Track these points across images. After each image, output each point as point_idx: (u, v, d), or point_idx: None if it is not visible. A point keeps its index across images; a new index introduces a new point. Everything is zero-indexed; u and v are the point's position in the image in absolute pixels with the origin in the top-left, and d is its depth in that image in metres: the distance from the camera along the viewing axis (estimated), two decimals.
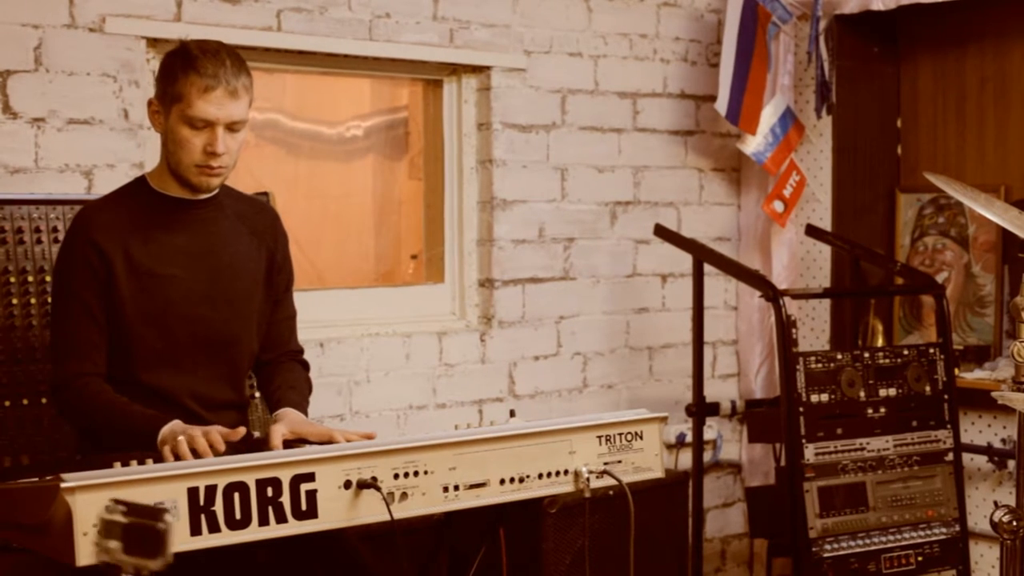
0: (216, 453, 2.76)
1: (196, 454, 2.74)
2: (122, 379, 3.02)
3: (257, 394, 3.61)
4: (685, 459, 4.92)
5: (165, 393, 3.02)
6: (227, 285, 3.12)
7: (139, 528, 1.95)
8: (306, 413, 3.17)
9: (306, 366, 3.35)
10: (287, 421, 3.04)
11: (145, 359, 3.02)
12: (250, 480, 2.50)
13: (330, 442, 2.90)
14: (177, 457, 2.74)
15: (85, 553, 2.30)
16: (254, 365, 3.29)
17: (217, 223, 3.14)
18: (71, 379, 2.97)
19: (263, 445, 2.97)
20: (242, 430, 2.87)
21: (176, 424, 2.87)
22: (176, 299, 3.04)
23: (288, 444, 2.95)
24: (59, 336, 3.03)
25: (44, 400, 3.38)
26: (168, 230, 3.07)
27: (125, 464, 2.52)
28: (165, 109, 3.00)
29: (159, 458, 2.71)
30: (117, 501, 1.98)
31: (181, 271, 3.06)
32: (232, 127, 2.99)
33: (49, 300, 3.42)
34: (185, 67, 2.96)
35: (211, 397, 3.10)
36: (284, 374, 3.25)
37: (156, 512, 1.96)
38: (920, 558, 4.21)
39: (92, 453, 3.02)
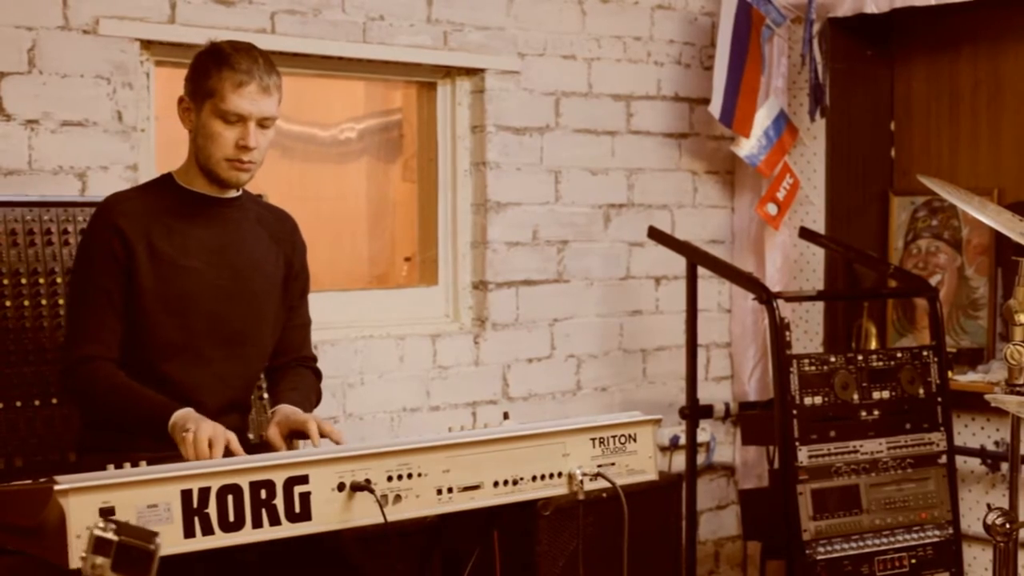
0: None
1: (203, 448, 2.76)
2: (135, 367, 3.02)
3: (265, 396, 3.63)
4: (679, 461, 4.92)
5: (176, 385, 3.03)
6: (246, 283, 3.14)
7: (129, 548, 1.97)
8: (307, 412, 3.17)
9: (318, 374, 3.37)
10: (277, 417, 3.05)
11: (161, 349, 3.03)
12: (243, 482, 2.50)
13: (304, 433, 2.96)
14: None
15: (79, 556, 2.30)
16: (267, 372, 3.32)
17: (239, 223, 3.17)
18: (82, 362, 2.98)
19: (264, 448, 2.98)
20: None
21: (190, 412, 2.89)
22: (196, 291, 3.06)
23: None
24: (74, 320, 3.04)
25: (37, 402, 3.38)
26: (191, 223, 3.09)
27: (119, 466, 2.52)
28: (197, 105, 3.04)
29: (153, 460, 2.71)
30: (109, 519, 1.99)
31: (202, 264, 3.08)
32: (263, 123, 3.05)
33: (43, 302, 3.42)
34: (219, 63, 3.01)
35: (220, 394, 3.10)
36: (291, 377, 3.27)
37: (147, 534, 1.98)
38: (913, 560, 4.21)
39: (92, 448, 3.03)
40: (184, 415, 2.87)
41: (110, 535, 1.97)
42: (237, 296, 3.12)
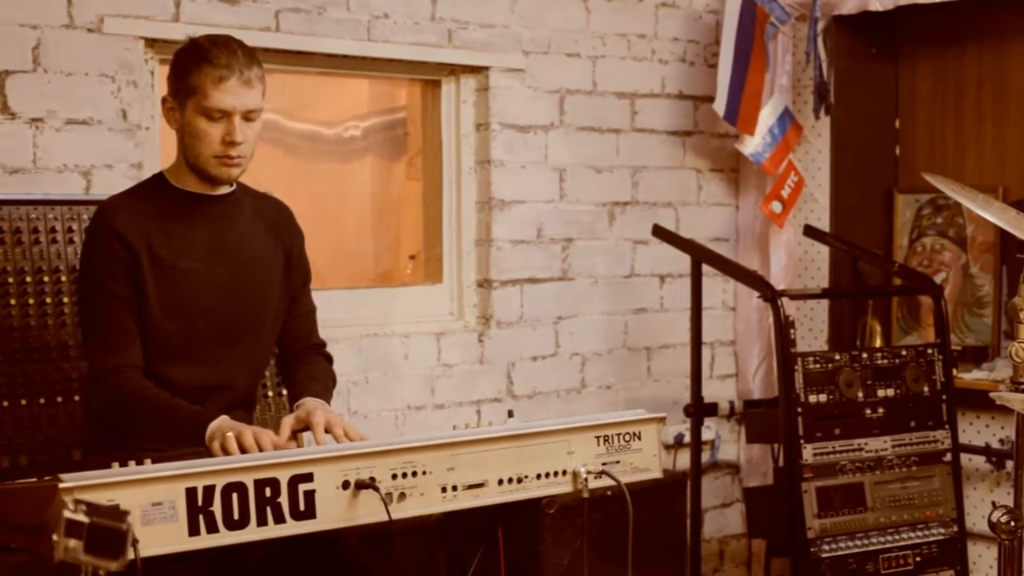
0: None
1: (243, 451, 2.75)
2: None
3: (270, 394, 3.62)
4: (683, 459, 4.92)
5: (180, 386, 3.02)
6: (247, 280, 3.13)
7: (101, 528, 1.96)
8: (328, 402, 3.16)
9: (329, 359, 3.37)
10: (299, 410, 3.05)
11: (163, 352, 3.02)
12: (248, 480, 2.50)
13: (327, 431, 2.94)
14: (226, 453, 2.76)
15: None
16: (278, 362, 3.32)
17: (235, 219, 3.15)
18: (112, 372, 2.96)
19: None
20: (292, 443, 2.88)
21: (224, 420, 2.88)
22: (198, 294, 3.05)
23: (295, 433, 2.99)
24: (95, 330, 3.01)
25: (42, 400, 3.38)
26: (188, 225, 3.07)
27: (124, 464, 2.52)
28: (180, 104, 3.01)
29: (158, 459, 2.71)
30: (79, 501, 1.98)
31: (202, 266, 3.07)
32: (248, 116, 3.00)
33: (48, 301, 3.42)
34: (198, 60, 2.97)
35: (226, 392, 3.10)
36: (306, 367, 3.27)
37: (118, 513, 1.97)
38: (918, 558, 4.21)
39: (97, 446, 3.03)
40: (218, 426, 2.86)
41: (81, 517, 1.96)
42: (237, 294, 3.11)
